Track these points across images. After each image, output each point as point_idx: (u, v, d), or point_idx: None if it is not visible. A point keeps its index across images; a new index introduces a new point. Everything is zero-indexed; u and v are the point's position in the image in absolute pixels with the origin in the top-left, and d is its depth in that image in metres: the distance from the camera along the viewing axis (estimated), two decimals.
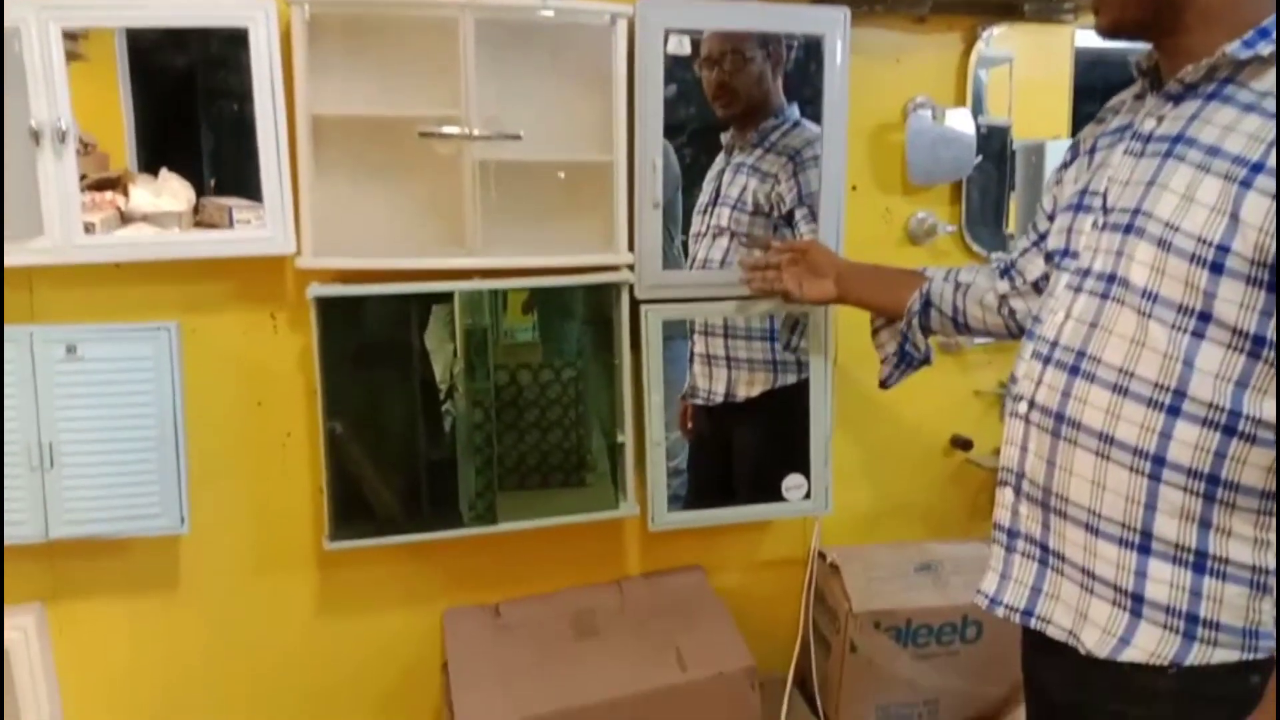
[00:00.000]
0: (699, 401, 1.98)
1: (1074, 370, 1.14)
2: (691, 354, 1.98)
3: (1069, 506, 1.14)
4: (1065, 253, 1.22)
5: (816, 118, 1.83)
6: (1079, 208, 1.22)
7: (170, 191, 1.66)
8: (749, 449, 2.02)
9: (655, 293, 1.77)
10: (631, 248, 1.75)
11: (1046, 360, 1.17)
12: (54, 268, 1.58)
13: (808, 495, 1.87)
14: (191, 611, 1.75)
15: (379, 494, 1.75)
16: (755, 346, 1.94)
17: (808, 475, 1.88)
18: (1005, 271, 1.45)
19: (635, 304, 1.77)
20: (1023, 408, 1.19)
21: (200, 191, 1.69)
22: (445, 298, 1.73)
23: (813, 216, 1.85)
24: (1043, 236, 1.37)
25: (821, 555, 1.94)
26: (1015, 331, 1.45)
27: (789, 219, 1.89)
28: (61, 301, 1.64)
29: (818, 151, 1.85)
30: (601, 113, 1.71)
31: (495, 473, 1.77)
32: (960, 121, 1.97)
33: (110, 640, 1.72)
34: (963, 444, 2.07)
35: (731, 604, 1.90)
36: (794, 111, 1.90)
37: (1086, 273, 1.16)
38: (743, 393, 1.94)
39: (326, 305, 1.65)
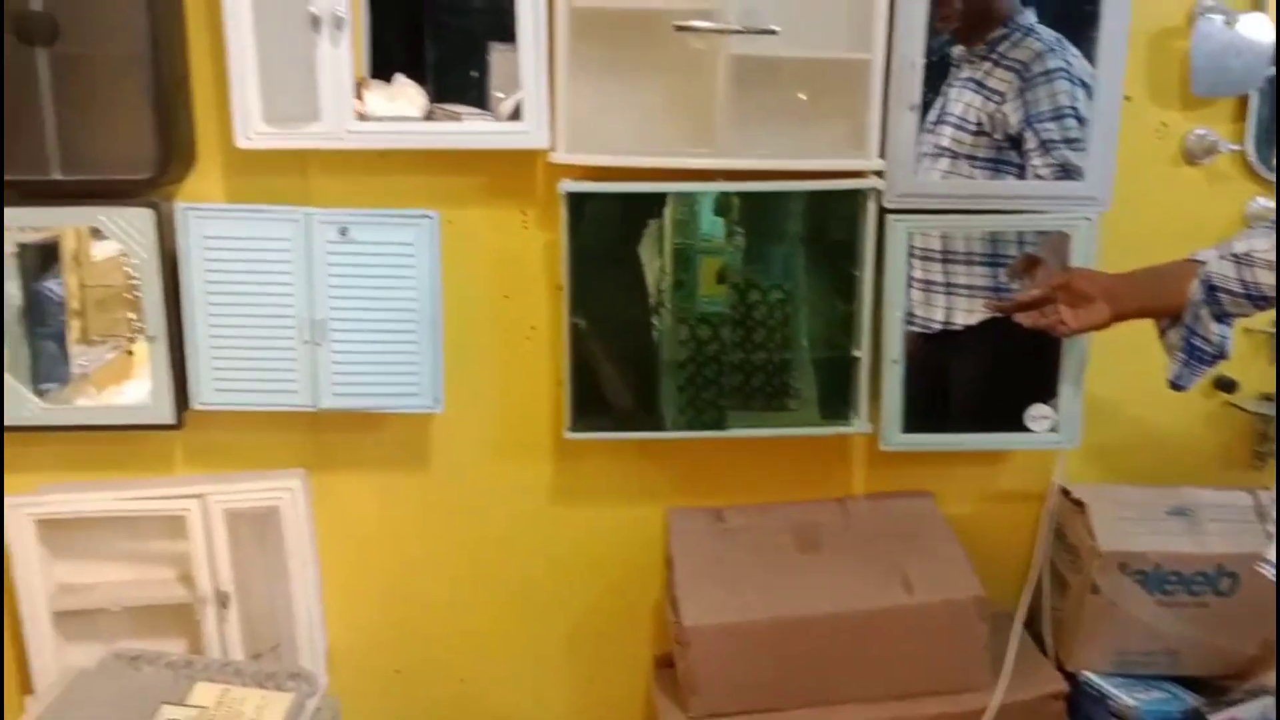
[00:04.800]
0: (915, 328, 1.90)
1: None
2: (909, 279, 1.90)
3: None
4: None
5: (1061, 21, 1.69)
6: None
7: (406, 97, 1.72)
8: (975, 377, 1.93)
9: (905, 201, 1.69)
10: (882, 154, 1.68)
11: None
12: (326, 152, 1.67)
13: (1054, 428, 1.77)
14: (437, 489, 1.85)
15: (615, 390, 1.78)
16: (976, 272, 1.83)
17: (1050, 405, 1.78)
18: None
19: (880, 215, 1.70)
20: None
21: None
22: (658, 213, 1.73)
23: (1042, 143, 1.71)
24: None
25: (1064, 491, 1.85)
26: None
27: (1015, 143, 1.75)
28: (330, 186, 1.73)
29: (1049, 65, 1.71)
30: (860, 8, 1.63)
31: (722, 386, 1.76)
32: (1255, 28, 1.77)
33: (363, 509, 1.85)
34: (1226, 385, 1.91)
35: (958, 534, 1.84)
36: (1028, 17, 1.75)
37: None
38: (961, 320, 1.84)
39: (576, 201, 1.67)
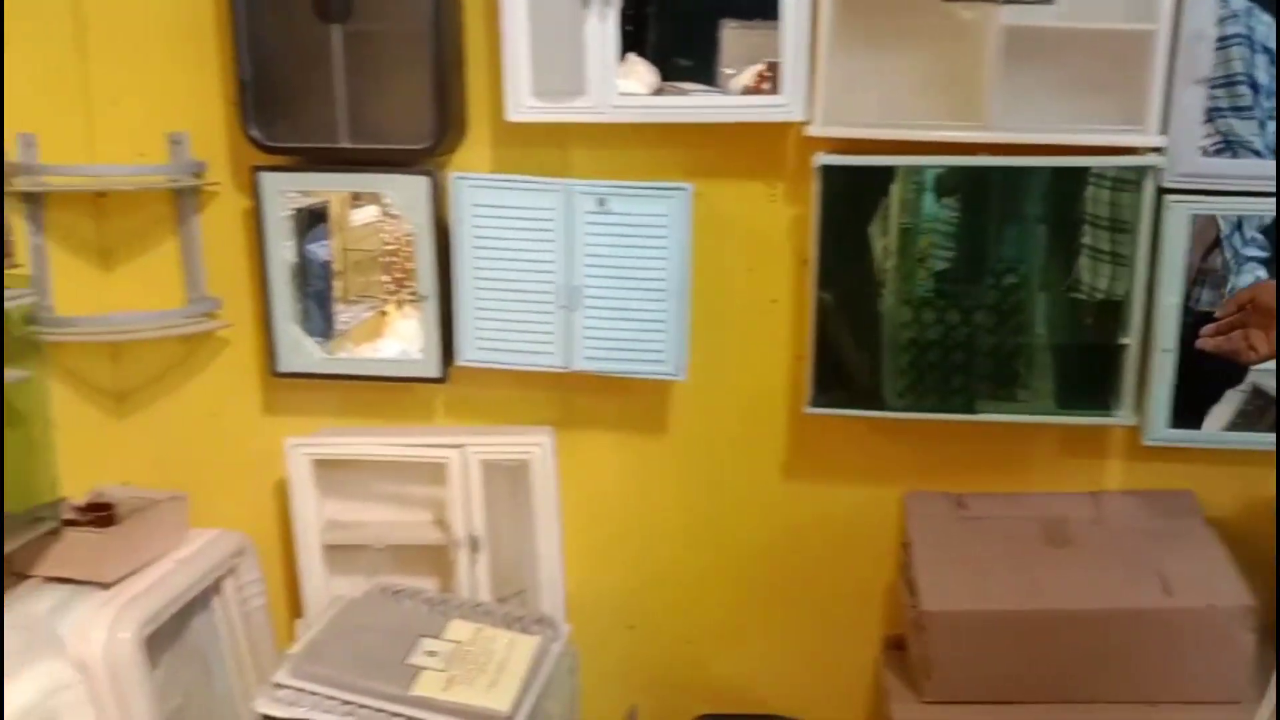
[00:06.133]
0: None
1: None
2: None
3: None
4: None
5: None
6: None
7: (636, 75, 1.76)
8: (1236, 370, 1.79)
9: (1187, 181, 1.59)
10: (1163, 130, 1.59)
11: None
12: (585, 126, 1.74)
13: None
14: (674, 455, 1.90)
15: (855, 367, 1.77)
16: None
17: None
18: None
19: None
20: None
21: None
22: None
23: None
24: None
25: None
26: None
27: None
28: (587, 159, 1.80)
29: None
30: None
31: (946, 370, 1.72)
32: None
33: (604, 469, 1.92)
34: None
35: (1221, 538, 1.72)
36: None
37: None
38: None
39: (830, 175, 1.66)
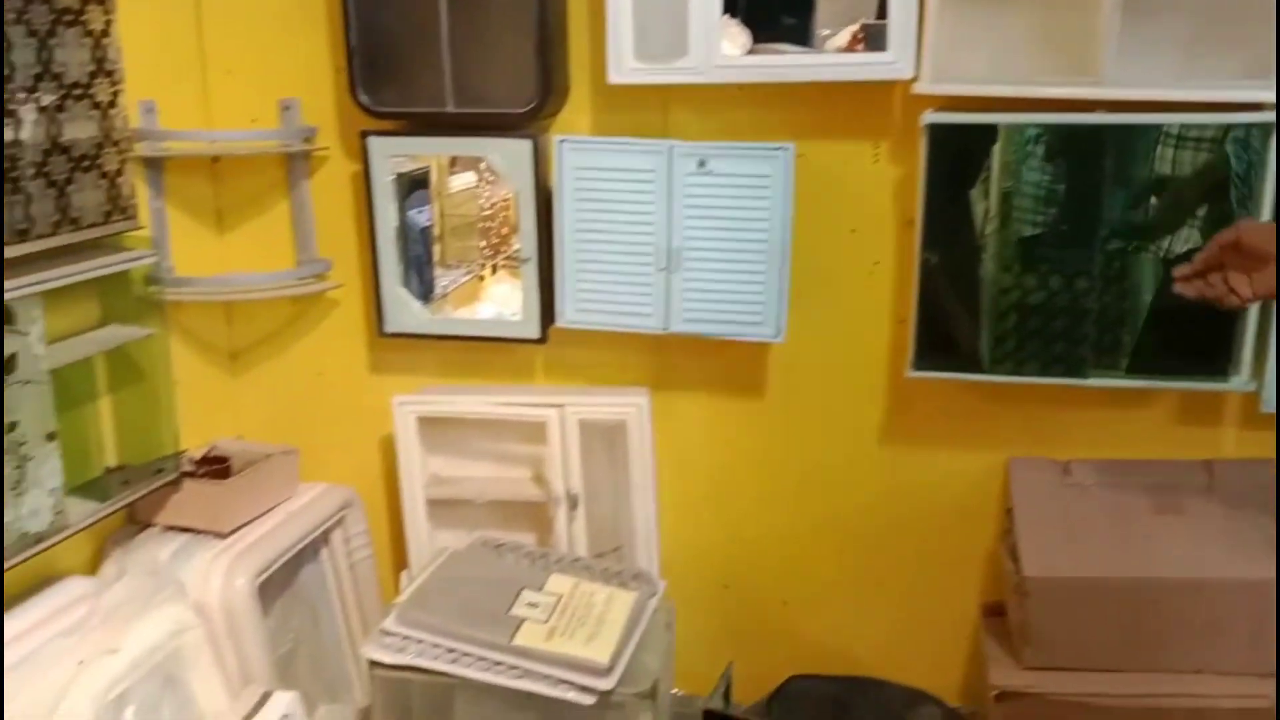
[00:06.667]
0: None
1: None
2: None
3: None
4: None
5: None
6: None
7: (729, 36, 1.75)
8: None
9: None
10: None
11: None
12: (686, 87, 1.74)
13: None
14: (771, 417, 1.91)
15: (961, 331, 1.74)
16: None
17: None
18: None
19: None
20: None
21: None
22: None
23: None
24: None
25: None
26: None
27: None
28: (687, 120, 1.80)
29: None
30: None
31: (1047, 336, 1.68)
32: None
33: (699, 430, 1.94)
34: None
35: None
36: None
37: None
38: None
39: (936, 133, 1.64)
